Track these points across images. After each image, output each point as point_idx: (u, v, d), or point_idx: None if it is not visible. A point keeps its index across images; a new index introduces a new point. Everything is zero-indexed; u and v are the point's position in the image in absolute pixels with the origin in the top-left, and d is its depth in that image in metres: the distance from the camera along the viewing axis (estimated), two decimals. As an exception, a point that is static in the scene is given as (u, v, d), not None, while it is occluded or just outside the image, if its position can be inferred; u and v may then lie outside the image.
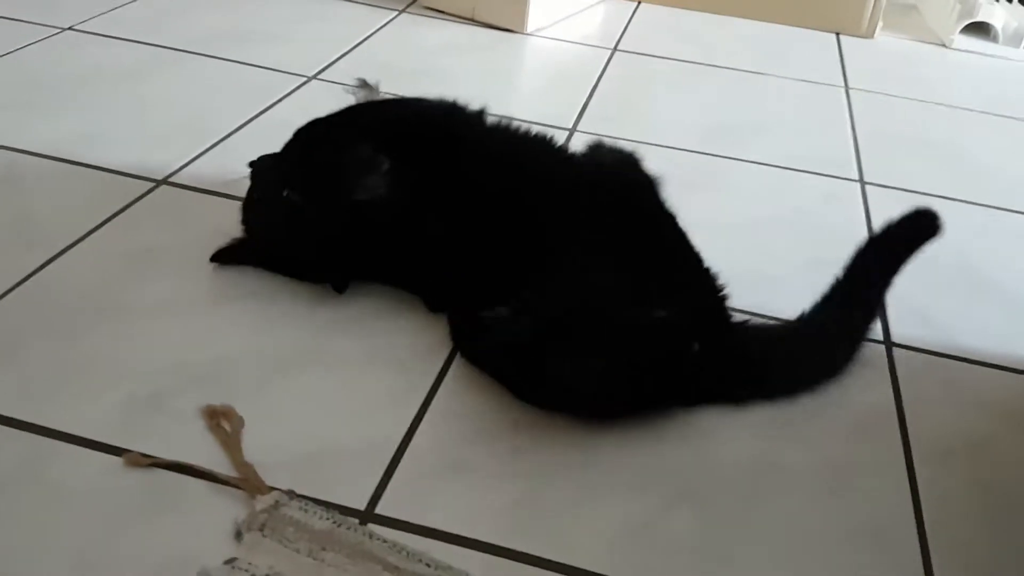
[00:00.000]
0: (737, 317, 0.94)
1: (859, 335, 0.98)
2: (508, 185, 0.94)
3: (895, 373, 0.96)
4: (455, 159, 0.96)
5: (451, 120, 1.03)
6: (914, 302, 1.08)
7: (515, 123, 1.04)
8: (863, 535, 0.77)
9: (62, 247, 0.99)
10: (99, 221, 1.04)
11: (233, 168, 1.02)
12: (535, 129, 1.04)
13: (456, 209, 0.93)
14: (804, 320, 0.96)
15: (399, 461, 0.78)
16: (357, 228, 0.93)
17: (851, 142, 1.49)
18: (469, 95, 1.48)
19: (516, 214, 0.92)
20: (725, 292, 0.92)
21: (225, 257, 0.97)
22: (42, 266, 0.96)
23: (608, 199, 0.94)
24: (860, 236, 1.20)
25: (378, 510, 0.73)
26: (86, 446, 0.76)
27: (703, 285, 0.92)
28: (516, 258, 0.89)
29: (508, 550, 0.71)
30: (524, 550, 0.72)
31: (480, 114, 1.05)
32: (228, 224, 1.00)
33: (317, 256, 0.95)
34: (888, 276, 0.98)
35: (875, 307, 0.99)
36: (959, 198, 1.35)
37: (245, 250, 0.98)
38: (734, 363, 0.89)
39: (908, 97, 1.71)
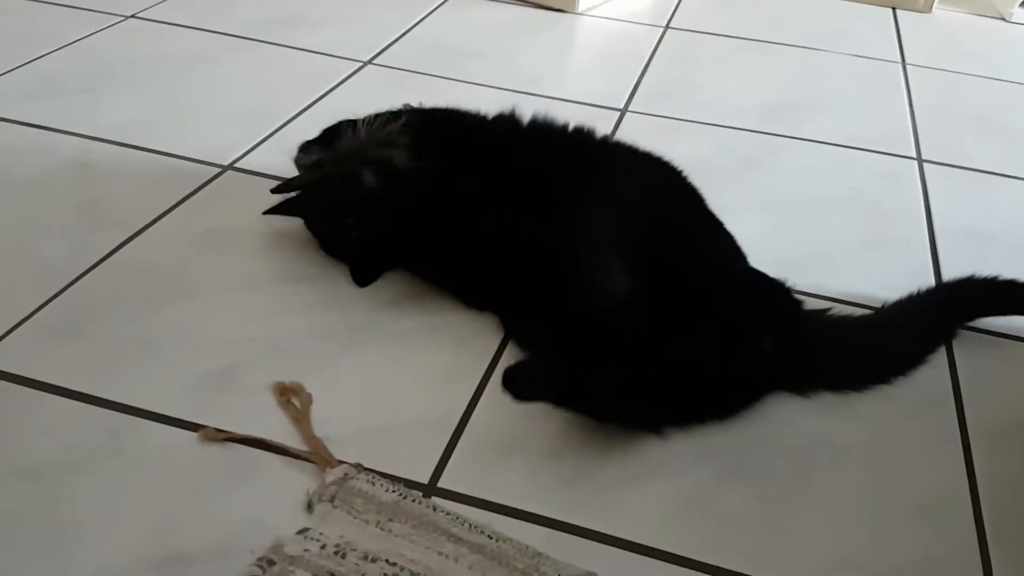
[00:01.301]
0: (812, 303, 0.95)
1: (935, 339, 0.97)
2: (543, 191, 0.94)
3: (951, 352, 0.96)
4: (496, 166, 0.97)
5: (493, 129, 1.04)
6: (972, 281, 1.08)
7: (560, 125, 1.04)
8: (919, 512, 0.78)
9: (135, 230, 1.04)
10: (169, 205, 1.09)
11: (296, 153, 1.06)
12: (578, 125, 1.04)
13: (494, 218, 0.94)
14: (885, 312, 0.97)
15: (459, 436, 0.81)
16: (408, 236, 0.96)
17: (908, 119, 1.48)
18: (522, 76, 1.50)
19: (552, 222, 0.92)
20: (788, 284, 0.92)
21: (278, 211, 1.00)
22: (117, 248, 1.01)
23: (651, 200, 0.94)
24: (918, 215, 1.21)
25: (440, 484, 0.76)
26: (164, 422, 0.80)
27: (765, 280, 0.92)
28: (551, 268, 0.89)
29: (566, 524, 0.74)
30: (582, 524, 0.74)
31: (527, 124, 1.04)
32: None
33: (367, 259, 0.98)
34: (971, 318, 1.00)
35: (953, 332, 0.99)
36: (1019, 176, 1.33)
37: (296, 205, 1.00)
38: (804, 357, 0.88)
39: (967, 73, 1.68)
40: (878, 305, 1.02)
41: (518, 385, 0.76)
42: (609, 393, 0.77)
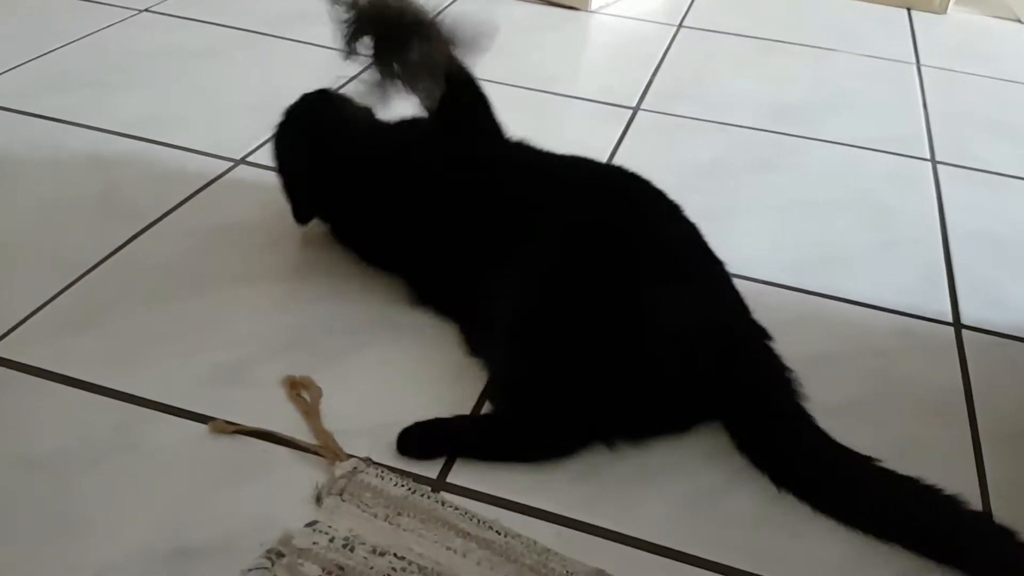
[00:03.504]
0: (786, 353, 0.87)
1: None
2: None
3: (964, 355, 0.96)
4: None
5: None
6: (985, 284, 1.07)
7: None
8: (929, 515, 0.77)
9: (147, 223, 1.04)
10: (182, 198, 1.09)
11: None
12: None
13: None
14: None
15: (469, 432, 0.81)
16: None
17: (922, 121, 1.47)
18: (534, 73, 1.50)
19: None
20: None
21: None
22: (129, 240, 1.01)
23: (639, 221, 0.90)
24: (931, 217, 1.20)
25: (449, 479, 0.76)
26: (175, 414, 0.80)
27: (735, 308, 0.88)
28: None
29: (575, 521, 0.74)
30: (590, 521, 0.74)
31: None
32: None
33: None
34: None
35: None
36: (1034, 178, 1.33)
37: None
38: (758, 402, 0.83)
39: (981, 75, 1.67)
40: (889, 307, 1.02)
41: (413, 447, 0.78)
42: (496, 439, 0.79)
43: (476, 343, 0.89)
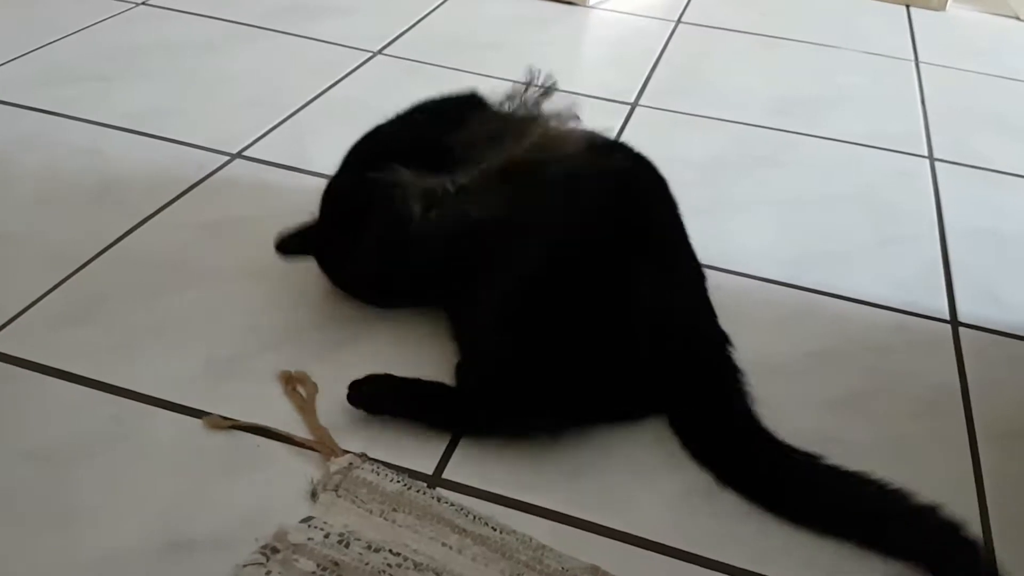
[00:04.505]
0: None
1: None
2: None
3: (960, 352, 0.96)
4: None
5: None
6: (984, 282, 1.07)
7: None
8: (925, 512, 0.77)
9: (143, 216, 1.04)
10: (177, 192, 1.08)
11: (303, 143, 1.05)
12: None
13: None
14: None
15: (465, 428, 0.81)
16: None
17: (921, 117, 1.47)
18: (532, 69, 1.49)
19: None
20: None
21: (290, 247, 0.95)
22: (125, 234, 1.01)
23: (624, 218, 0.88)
24: (929, 214, 1.20)
25: (445, 475, 0.76)
26: (170, 408, 0.80)
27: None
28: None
29: (570, 517, 0.73)
30: (586, 517, 0.74)
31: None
32: (301, 198, 1.03)
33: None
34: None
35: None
36: (1032, 176, 1.32)
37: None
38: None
39: (980, 72, 1.67)
40: (886, 304, 1.01)
41: (363, 400, 0.79)
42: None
43: (458, 323, 0.89)
